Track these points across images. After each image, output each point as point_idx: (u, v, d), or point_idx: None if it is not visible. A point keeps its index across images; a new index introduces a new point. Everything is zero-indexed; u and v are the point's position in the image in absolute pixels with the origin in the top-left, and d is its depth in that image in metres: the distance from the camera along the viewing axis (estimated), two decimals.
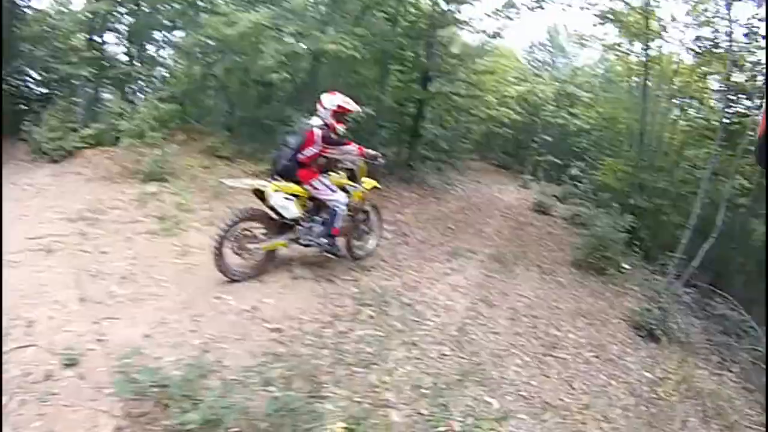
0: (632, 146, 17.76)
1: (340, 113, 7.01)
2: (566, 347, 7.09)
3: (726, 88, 12.01)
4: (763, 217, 12.60)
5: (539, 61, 37.22)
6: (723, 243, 11.29)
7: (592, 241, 11.16)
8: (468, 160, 22.62)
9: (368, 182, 7.92)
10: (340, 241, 7.54)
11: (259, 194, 6.76)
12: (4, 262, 6.06)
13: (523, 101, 28.06)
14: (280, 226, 6.91)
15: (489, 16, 15.87)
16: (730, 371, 8.05)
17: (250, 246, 6.56)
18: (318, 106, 7.02)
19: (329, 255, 7.36)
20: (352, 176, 7.60)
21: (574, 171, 19.29)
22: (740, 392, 7.44)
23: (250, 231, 6.63)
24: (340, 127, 7.08)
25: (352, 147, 7.01)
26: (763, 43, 10.39)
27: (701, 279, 11.23)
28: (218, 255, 6.23)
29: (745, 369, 8.23)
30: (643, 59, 16.38)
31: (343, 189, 7.28)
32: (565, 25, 34.63)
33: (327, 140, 6.82)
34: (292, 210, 6.74)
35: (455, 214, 13.87)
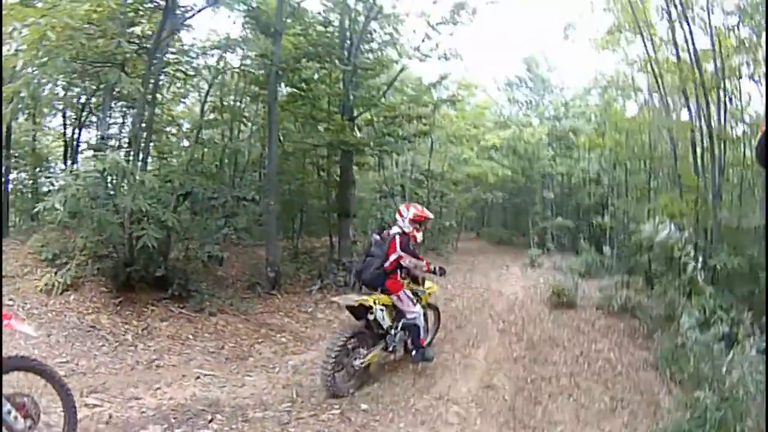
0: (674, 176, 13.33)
1: (417, 221, 7.27)
2: None
3: None
4: None
5: (521, 101, 31.04)
6: None
7: None
8: (458, 240, 21.19)
9: (430, 286, 8.07)
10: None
11: (355, 310, 6.90)
12: None
13: (510, 152, 24.18)
14: (374, 337, 6.98)
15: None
16: None
17: (355, 362, 6.64)
18: (397, 216, 7.39)
19: (425, 361, 7.36)
20: (415, 279, 7.57)
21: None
22: None
23: (351, 348, 6.66)
24: (419, 235, 7.44)
25: (423, 263, 7.23)
26: None
27: None
28: (330, 377, 6.29)
29: None
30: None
31: (415, 294, 7.33)
32: (545, 54, 28.80)
33: (405, 248, 7.02)
34: (387, 321, 6.94)
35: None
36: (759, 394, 4.89)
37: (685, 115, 12.57)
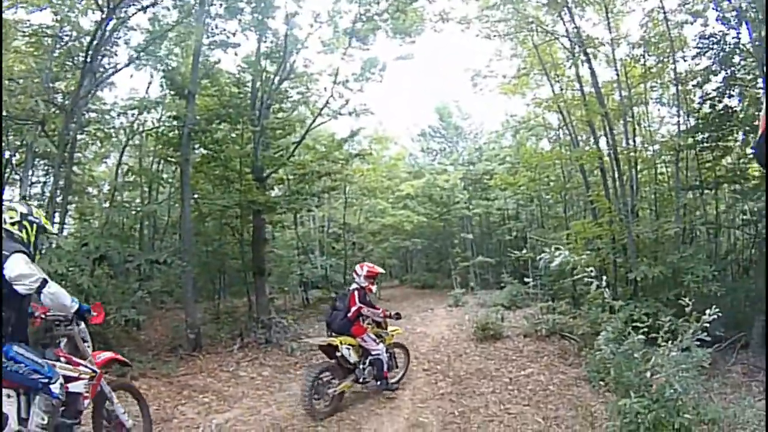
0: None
1: (370, 276, 8.65)
2: None
3: None
4: None
5: (435, 149, 32.06)
6: None
7: None
8: (382, 288, 21.30)
9: (395, 329, 9.34)
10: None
11: (326, 349, 8.25)
12: None
13: (426, 199, 24.24)
14: (345, 371, 8.13)
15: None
16: None
17: (328, 390, 7.76)
18: (354, 275, 8.77)
19: (388, 391, 8.49)
20: (378, 324, 8.83)
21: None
22: None
23: (325, 379, 7.80)
24: (374, 288, 8.89)
25: (380, 311, 8.63)
26: None
27: None
28: (308, 402, 7.42)
29: None
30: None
31: (379, 336, 8.61)
32: (457, 103, 29.88)
33: (362, 300, 8.31)
34: (354, 357, 8.17)
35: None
36: (692, 389, 5.05)
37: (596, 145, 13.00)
